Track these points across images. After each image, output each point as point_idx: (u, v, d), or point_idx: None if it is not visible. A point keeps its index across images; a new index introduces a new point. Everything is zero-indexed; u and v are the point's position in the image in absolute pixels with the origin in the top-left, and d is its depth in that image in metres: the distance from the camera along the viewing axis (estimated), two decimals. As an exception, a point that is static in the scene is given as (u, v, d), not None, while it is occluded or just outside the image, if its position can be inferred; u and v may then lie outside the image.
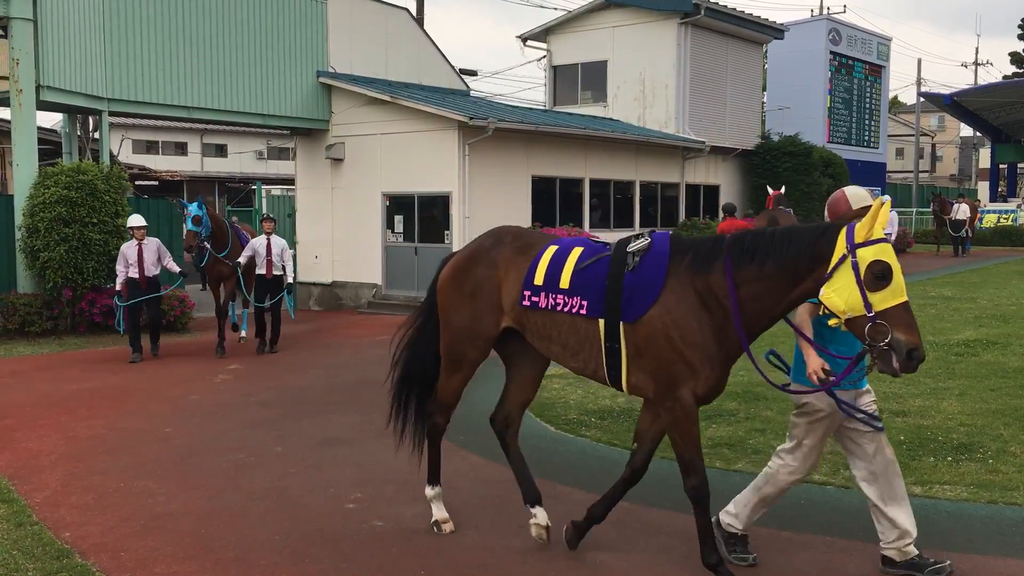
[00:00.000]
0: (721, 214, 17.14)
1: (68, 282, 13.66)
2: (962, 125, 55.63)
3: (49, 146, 20.28)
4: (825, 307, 4.14)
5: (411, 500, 6.08)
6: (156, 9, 15.99)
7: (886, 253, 4.18)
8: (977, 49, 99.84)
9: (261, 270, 12.53)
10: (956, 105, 40.44)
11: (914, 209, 41.25)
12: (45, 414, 8.85)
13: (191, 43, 16.55)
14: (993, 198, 42.33)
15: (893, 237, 21.49)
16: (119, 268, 11.94)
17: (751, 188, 25.87)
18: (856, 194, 4.93)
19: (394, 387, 5.59)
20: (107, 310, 13.57)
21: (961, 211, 29.29)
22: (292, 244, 20.16)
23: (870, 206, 4.55)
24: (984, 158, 53.13)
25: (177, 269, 12.43)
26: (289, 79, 18.20)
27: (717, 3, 23.54)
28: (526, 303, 4.92)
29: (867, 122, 32.31)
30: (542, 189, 19.29)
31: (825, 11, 43.57)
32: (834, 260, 4.14)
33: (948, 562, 4.67)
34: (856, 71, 31.35)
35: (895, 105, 62.76)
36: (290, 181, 25.75)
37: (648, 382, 4.57)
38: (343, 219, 18.92)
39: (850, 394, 4.60)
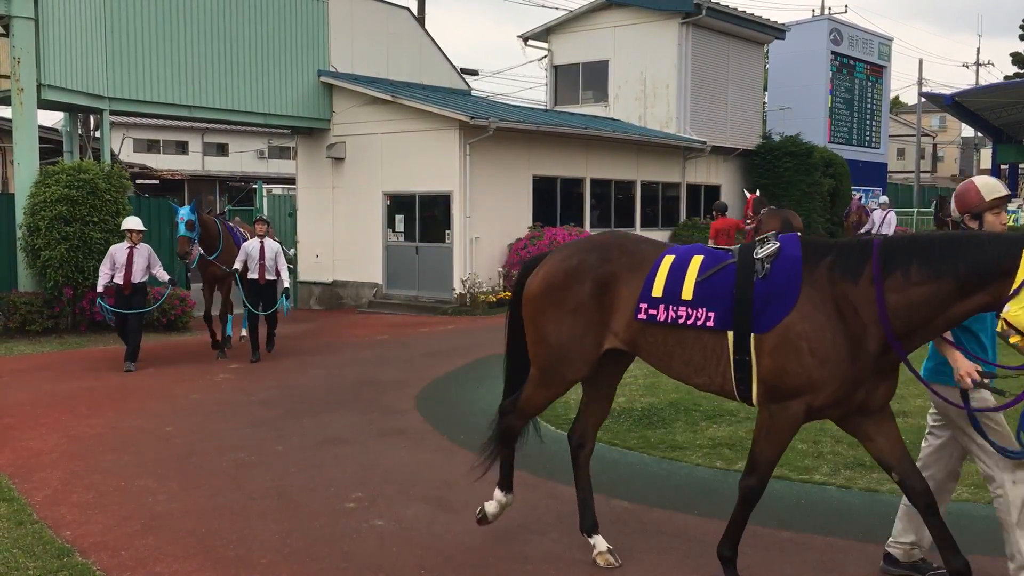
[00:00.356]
0: (713, 213, 17.16)
1: (69, 281, 13.66)
2: (963, 125, 55.62)
3: (50, 145, 20.29)
4: (1007, 323, 3.80)
5: (411, 500, 6.09)
6: (157, 8, 15.99)
7: None
8: (978, 49, 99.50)
9: (253, 275, 11.81)
10: (957, 105, 40.41)
11: (915, 210, 41.19)
12: (46, 413, 8.85)
13: (192, 42, 16.55)
14: (994, 198, 42.21)
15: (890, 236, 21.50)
16: (104, 270, 11.21)
17: (752, 188, 25.82)
18: (987, 184, 4.53)
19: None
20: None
21: (961, 212, 29.22)
22: (293, 243, 20.18)
23: (1005, 196, 4.37)
24: (985, 158, 53.13)
25: (166, 277, 11.68)
26: (290, 78, 18.21)
27: (718, 3, 23.53)
28: (642, 316, 4.55)
29: (868, 122, 32.30)
30: (543, 189, 19.29)
31: (826, 11, 43.55)
32: (1022, 276, 3.76)
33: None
34: (857, 71, 31.34)
35: (896, 105, 62.75)
36: (291, 180, 25.75)
37: (760, 385, 4.30)
38: (344, 218, 18.93)
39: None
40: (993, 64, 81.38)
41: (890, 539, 4.75)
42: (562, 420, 8.17)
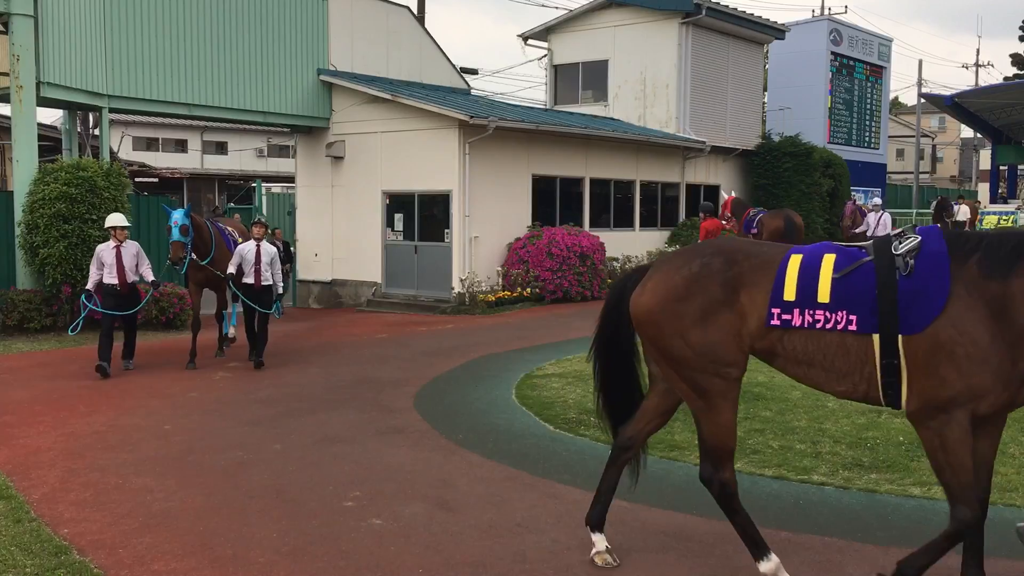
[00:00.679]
0: (701, 215, 17.17)
1: (67, 279, 13.65)
2: (963, 126, 55.63)
3: (49, 142, 20.27)
4: None
5: (409, 499, 6.08)
6: (157, 6, 15.98)
7: None
8: (978, 50, 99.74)
9: (249, 279, 11.27)
10: (957, 106, 40.40)
11: (914, 210, 41.20)
12: (44, 411, 8.84)
13: (192, 40, 16.54)
14: (993, 199, 42.28)
15: None
16: (93, 270, 10.76)
17: (752, 188, 25.86)
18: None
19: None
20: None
21: (961, 212, 29.30)
22: (292, 242, 20.18)
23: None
24: (985, 159, 53.14)
25: (151, 278, 11.06)
26: (290, 77, 18.20)
27: (718, 3, 23.53)
28: (775, 322, 4.26)
29: (868, 123, 32.30)
30: (542, 188, 19.28)
31: (826, 11, 43.58)
32: None
33: None
34: (857, 72, 31.34)
35: (896, 106, 62.77)
36: (290, 179, 25.75)
37: (913, 399, 4.05)
38: (343, 217, 18.93)
39: None
40: (993, 65, 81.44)
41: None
42: (560, 419, 8.17)
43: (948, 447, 3.97)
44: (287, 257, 17.63)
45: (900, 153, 61.81)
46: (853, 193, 27.40)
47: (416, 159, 17.68)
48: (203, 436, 7.88)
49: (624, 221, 21.54)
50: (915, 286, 4.00)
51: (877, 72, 32.52)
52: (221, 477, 6.63)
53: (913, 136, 52.26)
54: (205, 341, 12.67)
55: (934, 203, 30.68)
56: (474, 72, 29.62)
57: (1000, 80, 55.87)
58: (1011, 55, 58.86)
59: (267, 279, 11.33)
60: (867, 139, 32.31)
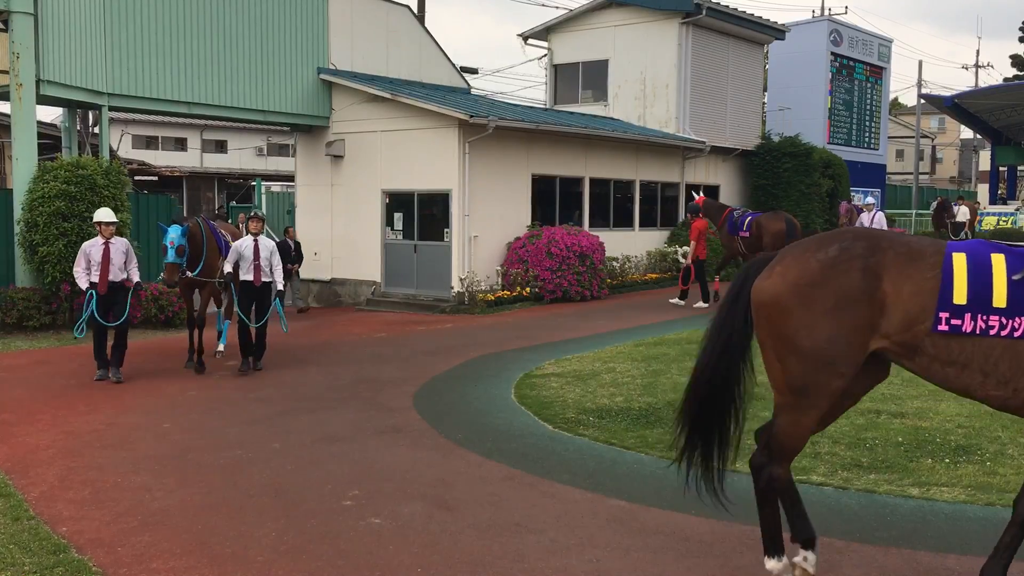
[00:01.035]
0: (688, 216, 17.17)
1: (67, 277, 13.63)
2: (962, 127, 55.64)
3: (49, 141, 20.27)
4: None
5: (408, 498, 6.08)
6: (157, 4, 15.97)
7: None
8: (978, 51, 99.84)
9: (247, 276, 10.67)
10: (956, 107, 40.41)
11: (913, 211, 41.23)
12: (43, 409, 8.84)
13: (192, 39, 16.54)
14: (993, 200, 42.30)
15: None
16: (78, 270, 10.12)
17: (751, 188, 25.87)
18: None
19: (688, 427, 4.69)
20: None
21: (961, 213, 29.31)
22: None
23: None
24: (984, 160, 53.16)
25: (137, 278, 10.40)
26: (290, 75, 18.20)
27: (718, 3, 23.53)
28: (943, 327, 3.97)
29: (867, 123, 32.30)
30: (542, 188, 19.28)
31: (826, 12, 43.57)
32: None
33: None
34: (857, 72, 31.34)
35: (895, 107, 62.77)
36: (290, 178, 25.74)
37: None
38: (343, 216, 18.92)
39: None
40: (993, 66, 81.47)
41: None
42: (559, 419, 8.17)
43: None
44: (297, 256, 17.62)
45: (900, 154, 61.82)
46: (852, 194, 27.39)
47: (416, 158, 17.67)
48: (202, 435, 7.87)
49: (624, 221, 21.54)
50: None
51: (877, 73, 32.52)
52: (220, 476, 6.63)
53: (913, 137, 52.28)
54: (211, 337, 12.53)
55: (934, 204, 30.70)
56: (474, 71, 29.62)
57: (1000, 81, 55.87)
58: (1011, 56, 58.88)
59: (267, 276, 10.77)
60: (867, 140, 32.31)
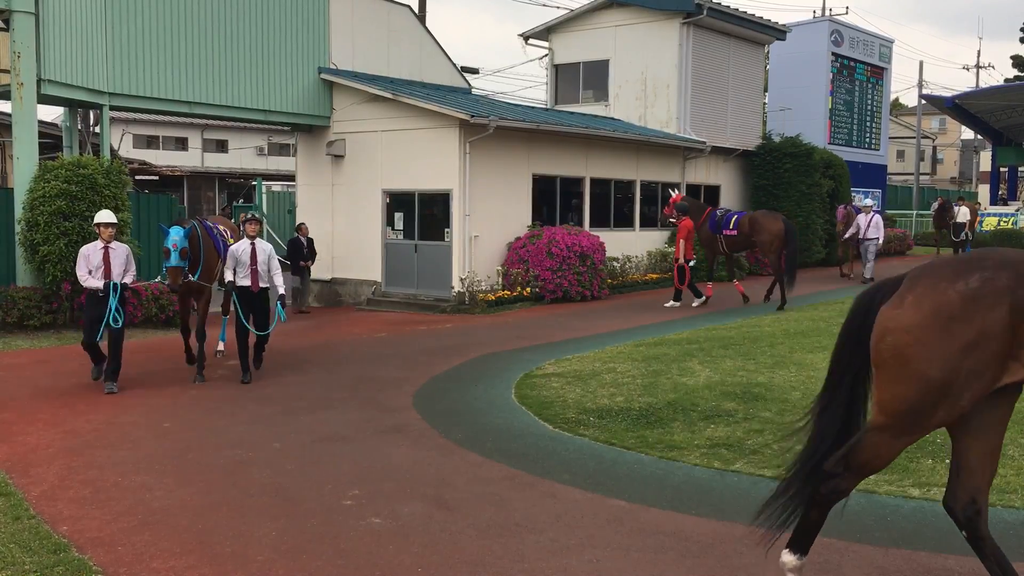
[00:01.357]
0: (678, 215, 16.90)
1: (67, 276, 13.64)
2: (963, 128, 55.63)
3: (50, 140, 20.27)
4: None
5: (408, 498, 6.08)
6: (158, 4, 15.97)
7: None
8: (979, 52, 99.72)
9: (244, 281, 10.22)
10: (957, 108, 40.37)
11: (914, 211, 41.23)
12: (43, 408, 8.85)
13: (193, 38, 16.54)
14: (994, 201, 42.28)
15: (880, 241, 21.36)
16: (82, 274, 9.62)
17: (752, 189, 25.86)
18: None
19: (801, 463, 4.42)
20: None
21: (961, 214, 29.29)
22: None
23: None
24: (985, 161, 53.14)
25: (130, 281, 9.95)
26: (291, 75, 18.20)
27: (719, 3, 23.52)
28: None
29: (868, 124, 32.28)
30: (543, 188, 19.27)
31: (827, 12, 43.54)
32: None
33: None
34: (858, 73, 31.32)
35: (896, 107, 62.78)
36: (291, 177, 25.76)
37: None
38: (343, 216, 18.92)
39: None
40: (994, 67, 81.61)
41: None
42: (560, 419, 8.17)
43: None
44: (310, 253, 17.61)
45: (900, 154, 61.81)
46: (852, 194, 27.36)
47: (416, 158, 17.67)
48: (202, 434, 7.88)
49: (624, 221, 21.54)
50: None
51: (878, 73, 32.50)
52: (220, 475, 6.64)
53: (914, 137, 52.26)
54: (211, 336, 12.48)
55: (935, 204, 30.67)
56: (475, 71, 29.63)
57: (1001, 82, 55.87)
58: (1012, 57, 58.84)
59: (265, 281, 10.31)
60: (867, 140, 32.30)
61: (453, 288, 17.18)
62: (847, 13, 40.97)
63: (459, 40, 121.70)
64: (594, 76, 25.00)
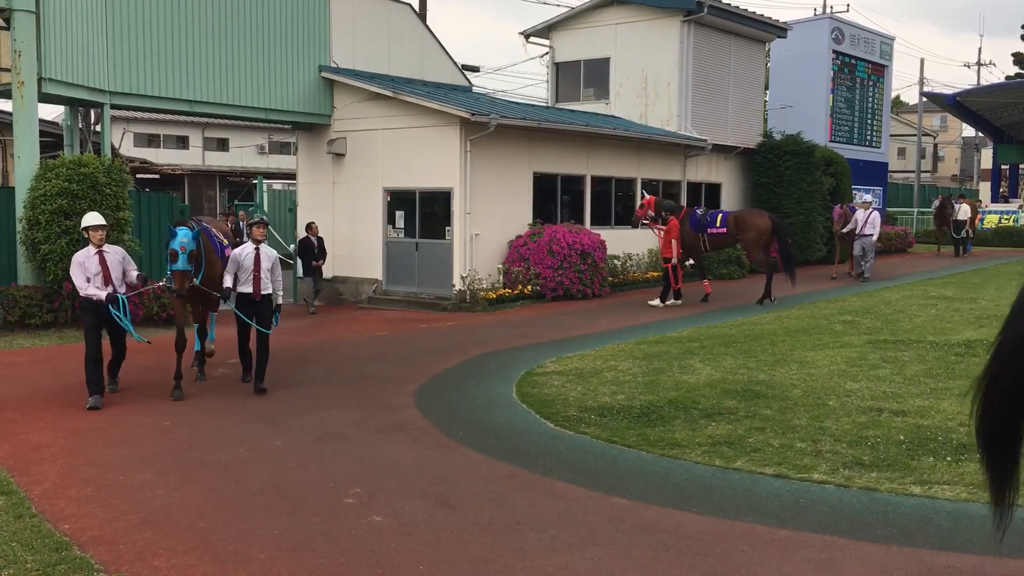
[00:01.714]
0: (663, 215, 16.69)
1: (68, 275, 13.62)
2: (964, 125, 55.61)
3: (50, 139, 20.27)
4: None
5: (410, 496, 6.09)
6: (158, 2, 15.96)
7: None
8: (980, 49, 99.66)
9: (246, 288, 9.61)
10: (958, 105, 40.39)
11: (915, 209, 41.21)
12: (45, 407, 8.85)
13: (194, 37, 16.53)
14: (995, 199, 42.30)
15: (875, 238, 21.34)
16: (79, 283, 8.96)
17: (753, 186, 25.85)
18: None
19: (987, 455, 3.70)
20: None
21: (962, 211, 29.30)
22: (292, 239, 20.13)
23: None
24: (986, 159, 53.12)
25: (134, 275, 9.35)
26: (291, 73, 18.19)
27: (720, 1, 23.51)
28: None
29: (869, 121, 32.28)
30: (544, 186, 19.27)
31: (828, 10, 43.50)
32: None
33: None
34: (859, 70, 31.31)
35: (897, 105, 62.73)
36: (291, 176, 25.74)
37: None
38: (344, 214, 18.92)
39: None
40: (995, 64, 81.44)
41: None
42: (561, 417, 8.17)
43: None
44: (321, 252, 17.59)
45: (902, 152, 61.78)
46: (853, 192, 27.34)
47: (417, 156, 17.67)
48: (204, 432, 7.88)
49: (625, 219, 21.53)
50: None
51: (879, 71, 32.48)
52: (222, 473, 6.64)
53: (915, 135, 52.23)
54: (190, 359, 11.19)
55: (936, 202, 30.68)
56: (475, 69, 29.64)
57: (1002, 79, 55.82)
58: (1013, 54, 58.83)
59: (267, 288, 9.70)
60: (868, 138, 32.28)
61: (454, 286, 17.18)
62: (848, 11, 40.93)
63: (460, 38, 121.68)
64: (595, 74, 24.99)
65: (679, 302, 16.66)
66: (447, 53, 21.80)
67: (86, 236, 9.16)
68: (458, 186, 17.13)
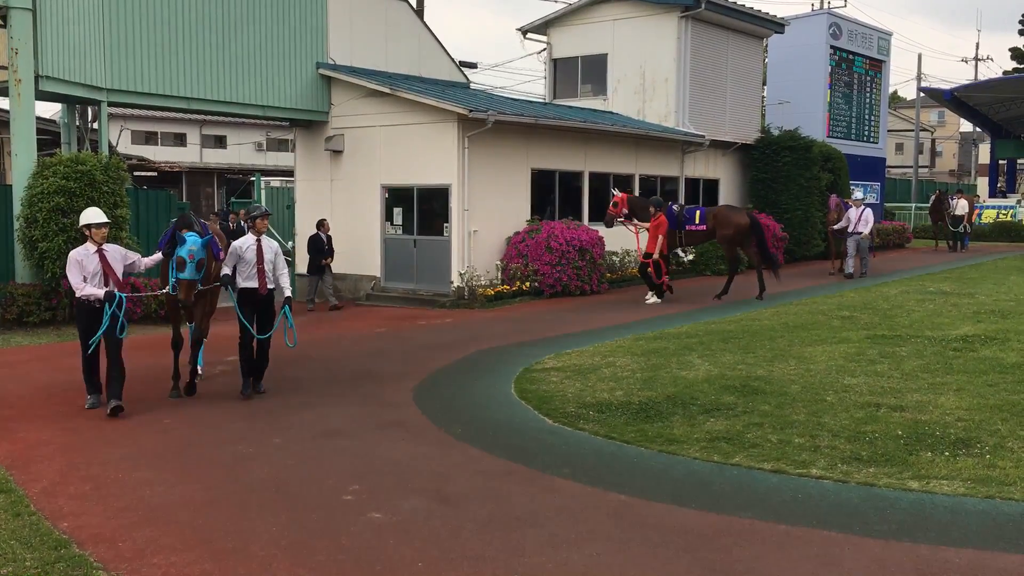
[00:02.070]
0: (652, 209, 16.41)
1: (66, 273, 13.64)
2: (962, 120, 55.60)
3: (48, 136, 20.24)
4: None
5: (409, 492, 6.09)
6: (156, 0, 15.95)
7: None
8: (977, 44, 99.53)
9: (251, 283, 9.07)
10: (956, 100, 40.38)
11: (913, 204, 41.21)
12: (43, 404, 8.85)
13: (191, 34, 16.51)
14: (992, 194, 42.32)
15: (867, 233, 21.29)
16: (76, 282, 8.44)
17: (751, 182, 25.84)
18: None
19: None
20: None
21: (960, 206, 29.31)
22: (291, 236, 20.13)
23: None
24: (984, 154, 53.15)
25: (144, 265, 8.98)
26: (289, 70, 18.17)
27: (718, -3, 23.49)
28: None
29: (867, 117, 32.27)
30: (541, 182, 19.26)
31: (826, 5, 43.47)
32: None
33: None
34: (856, 65, 31.30)
35: (895, 100, 62.70)
36: (289, 173, 25.74)
37: None
38: (342, 211, 18.91)
39: None
40: (992, 59, 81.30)
41: None
42: (559, 413, 8.18)
43: None
44: (330, 250, 17.56)
45: (899, 147, 61.80)
46: (852, 187, 27.35)
47: (415, 153, 17.66)
48: (202, 430, 7.88)
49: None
50: None
51: (876, 66, 32.47)
52: (221, 471, 6.64)
53: (912, 130, 52.23)
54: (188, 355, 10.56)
55: (932, 197, 30.69)
56: (473, 66, 29.59)
57: (999, 74, 55.82)
58: (1011, 49, 58.84)
59: (272, 282, 9.19)
60: (866, 133, 32.28)
61: (452, 283, 17.18)
62: (845, 6, 40.83)
63: (457, 35, 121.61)
64: (592, 70, 24.96)
65: (660, 300, 16.47)
66: (444, 49, 21.78)
67: (86, 233, 8.63)
68: (456, 182, 17.12)
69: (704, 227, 17.17)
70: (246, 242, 9.18)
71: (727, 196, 25.21)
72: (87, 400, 8.70)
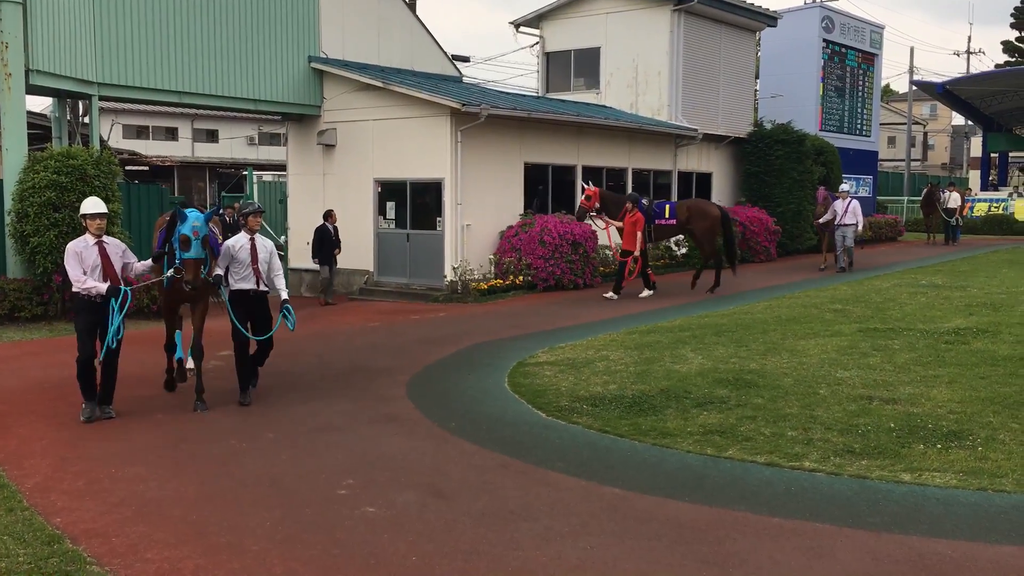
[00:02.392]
0: (628, 204, 16.16)
1: (58, 267, 13.59)
2: (954, 114, 55.71)
3: (39, 131, 20.13)
4: None
5: (402, 486, 6.10)
6: (146, -7, 15.87)
7: None
8: (970, 38, 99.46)
9: (246, 284, 8.63)
10: (948, 94, 40.46)
11: (905, 198, 41.31)
12: (36, 400, 8.83)
13: (182, 27, 16.44)
14: (984, 187, 42.43)
15: (860, 227, 21.32)
16: (76, 274, 7.97)
17: (744, 176, 25.88)
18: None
19: None
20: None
21: (951, 200, 29.40)
22: (283, 230, 20.08)
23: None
24: (976, 147, 53.27)
25: (133, 273, 8.40)
26: (281, 64, 18.11)
27: (711, -10, 23.48)
28: None
29: (859, 110, 32.32)
30: (535, 176, 19.25)
31: (818, -1, 43.48)
32: None
33: None
34: (849, 59, 31.33)
35: (887, 93, 62.83)
36: (281, 167, 25.65)
37: None
38: (335, 205, 18.84)
39: None
40: (984, 52, 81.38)
41: None
42: (553, 407, 8.19)
43: None
44: (336, 242, 17.51)
45: (892, 140, 61.90)
46: (844, 180, 27.40)
47: (408, 147, 17.62)
48: (196, 425, 7.87)
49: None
50: None
51: (869, 59, 32.51)
52: (214, 466, 6.64)
53: (905, 123, 52.32)
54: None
55: (924, 190, 30.77)
56: (466, 59, 29.57)
57: (991, 67, 55.94)
58: (1002, 42, 58.95)
59: (266, 283, 8.73)
60: (859, 126, 32.33)
61: (445, 277, 17.17)
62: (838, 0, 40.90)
63: (450, 28, 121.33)
64: (585, 64, 24.94)
65: (616, 296, 16.19)
66: (437, 43, 21.73)
67: (84, 224, 8.20)
68: (449, 177, 17.10)
69: (674, 221, 17.23)
70: (239, 241, 8.68)
71: (720, 190, 25.25)
72: (83, 411, 8.05)
